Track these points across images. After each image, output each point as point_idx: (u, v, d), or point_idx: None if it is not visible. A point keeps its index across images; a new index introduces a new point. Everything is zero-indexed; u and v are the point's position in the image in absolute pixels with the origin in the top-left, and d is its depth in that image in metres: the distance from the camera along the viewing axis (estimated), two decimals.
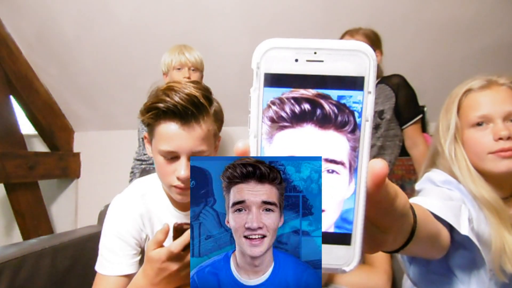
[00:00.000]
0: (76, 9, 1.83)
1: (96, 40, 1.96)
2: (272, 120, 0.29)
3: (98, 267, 0.78)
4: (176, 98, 0.68)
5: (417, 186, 0.80)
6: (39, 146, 2.38)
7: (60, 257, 1.07)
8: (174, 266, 0.57)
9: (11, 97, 1.98)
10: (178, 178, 0.72)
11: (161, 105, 0.68)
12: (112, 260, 0.77)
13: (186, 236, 0.57)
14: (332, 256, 0.28)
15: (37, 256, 1.00)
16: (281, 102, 0.28)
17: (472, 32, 1.85)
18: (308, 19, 1.80)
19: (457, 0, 1.74)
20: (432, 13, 1.79)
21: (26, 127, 2.16)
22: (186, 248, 0.59)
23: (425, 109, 2.08)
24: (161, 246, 0.62)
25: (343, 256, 0.27)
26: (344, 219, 0.28)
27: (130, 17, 1.85)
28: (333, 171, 0.29)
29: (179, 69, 1.46)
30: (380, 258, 1.03)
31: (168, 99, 0.68)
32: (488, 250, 0.66)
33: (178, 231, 0.58)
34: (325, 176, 0.30)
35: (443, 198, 0.68)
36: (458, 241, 0.63)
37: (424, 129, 2.03)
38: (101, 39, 1.95)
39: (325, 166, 0.30)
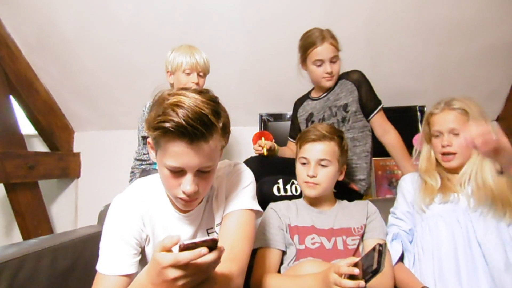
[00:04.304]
0: (76, 9, 1.83)
1: (96, 40, 1.96)
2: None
3: (98, 267, 0.78)
4: (185, 117, 0.65)
5: None
6: (39, 146, 2.37)
7: (60, 257, 1.07)
8: (173, 274, 0.56)
9: (11, 97, 1.97)
10: (183, 192, 0.72)
11: (168, 124, 0.66)
12: (113, 259, 0.78)
13: (196, 254, 0.55)
14: None
15: (37, 256, 0.99)
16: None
17: (471, 32, 1.85)
18: (307, 19, 1.80)
19: (457, 0, 1.74)
20: (431, 13, 1.79)
21: (26, 127, 2.16)
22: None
23: (425, 109, 2.08)
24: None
25: None
26: None
27: (130, 17, 1.84)
28: None
29: (188, 73, 1.45)
30: (386, 263, 1.03)
31: (176, 118, 0.65)
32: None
33: (183, 250, 0.57)
34: None
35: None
36: None
37: (419, 129, 2.04)
38: (101, 39, 1.94)
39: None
